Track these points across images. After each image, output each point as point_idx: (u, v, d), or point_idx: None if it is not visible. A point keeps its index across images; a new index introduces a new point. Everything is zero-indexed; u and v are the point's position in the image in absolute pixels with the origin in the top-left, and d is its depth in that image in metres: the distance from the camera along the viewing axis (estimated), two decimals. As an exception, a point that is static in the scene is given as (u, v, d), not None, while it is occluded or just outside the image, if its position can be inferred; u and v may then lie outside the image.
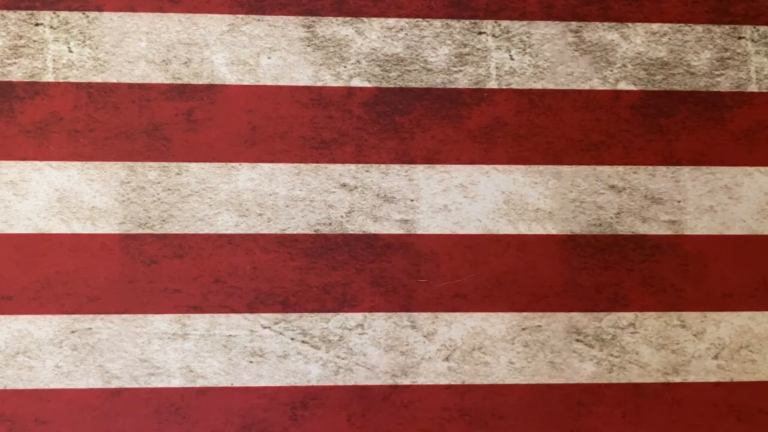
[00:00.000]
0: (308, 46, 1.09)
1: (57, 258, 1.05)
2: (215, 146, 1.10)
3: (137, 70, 1.08)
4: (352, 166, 1.13)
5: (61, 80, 1.06)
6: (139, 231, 1.08)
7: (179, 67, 1.08)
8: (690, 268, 1.16)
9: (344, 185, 1.15)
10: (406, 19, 1.12)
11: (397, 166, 1.13)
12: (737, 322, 1.21)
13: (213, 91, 1.12)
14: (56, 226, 1.06)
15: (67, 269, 1.04)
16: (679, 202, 1.17)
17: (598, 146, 1.14)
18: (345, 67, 1.11)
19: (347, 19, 1.16)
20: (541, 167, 1.17)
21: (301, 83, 1.11)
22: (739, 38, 1.19)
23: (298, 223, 1.09)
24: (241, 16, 1.12)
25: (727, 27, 1.17)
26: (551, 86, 1.14)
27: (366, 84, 1.14)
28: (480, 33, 1.19)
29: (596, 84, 1.15)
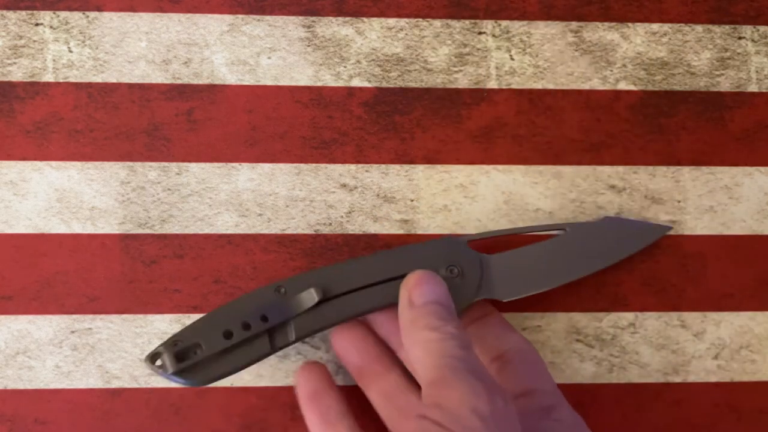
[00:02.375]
0: (308, 46, 1.09)
1: (57, 258, 1.05)
2: (215, 146, 1.10)
3: (137, 70, 1.08)
4: (352, 166, 1.14)
5: (61, 80, 1.06)
6: (139, 231, 1.08)
7: (179, 67, 1.08)
8: (690, 268, 1.16)
9: (344, 185, 1.15)
10: (406, 19, 1.12)
11: (397, 166, 1.13)
12: (737, 322, 1.21)
13: (213, 91, 1.12)
14: (56, 226, 1.06)
15: (67, 269, 1.04)
16: (679, 202, 1.17)
17: (598, 146, 1.14)
18: (345, 67, 1.11)
19: (347, 19, 1.16)
20: (541, 167, 1.17)
21: (301, 83, 1.11)
22: (739, 38, 1.19)
23: (298, 223, 1.09)
24: (241, 16, 1.12)
25: (727, 27, 1.17)
26: (551, 86, 1.14)
27: (366, 84, 1.14)
28: (480, 33, 1.19)
29: (596, 84, 1.15)
